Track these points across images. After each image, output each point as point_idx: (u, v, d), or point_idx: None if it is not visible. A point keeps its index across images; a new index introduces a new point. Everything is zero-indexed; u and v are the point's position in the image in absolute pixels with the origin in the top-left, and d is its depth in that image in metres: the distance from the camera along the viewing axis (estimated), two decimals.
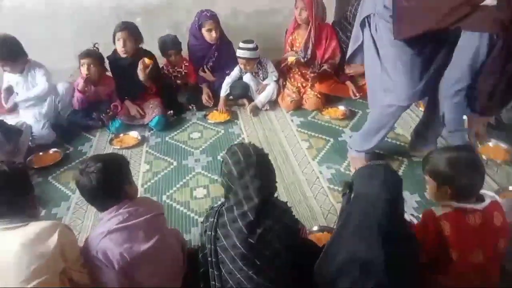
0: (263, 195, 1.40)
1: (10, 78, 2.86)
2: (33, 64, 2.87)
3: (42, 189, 2.44)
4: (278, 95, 3.30)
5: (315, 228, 2.00)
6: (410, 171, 2.44)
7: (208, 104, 3.30)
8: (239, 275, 1.38)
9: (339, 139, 2.84)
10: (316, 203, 2.23)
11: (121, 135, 2.98)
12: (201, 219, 2.14)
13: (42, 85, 2.86)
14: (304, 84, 3.28)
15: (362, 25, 2.08)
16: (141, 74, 3.00)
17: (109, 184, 1.46)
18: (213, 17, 3.15)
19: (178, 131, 3.06)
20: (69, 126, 3.03)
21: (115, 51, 3.05)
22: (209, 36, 3.18)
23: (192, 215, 2.21)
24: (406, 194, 2.20)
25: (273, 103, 3.33)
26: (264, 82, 3.31)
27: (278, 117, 3.20)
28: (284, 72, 3.35)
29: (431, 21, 1.70)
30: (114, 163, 1.54)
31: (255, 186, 1.39)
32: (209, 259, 1.43)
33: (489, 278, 1.43)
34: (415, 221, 1.89)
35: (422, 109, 2.75)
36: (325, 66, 3.18)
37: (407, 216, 1.90)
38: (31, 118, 2.83)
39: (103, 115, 3.04)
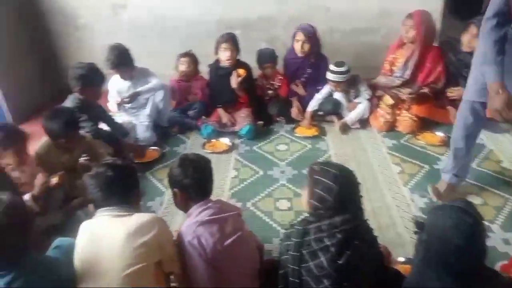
0: (352, 215, 1.38)
1: (120, 85, 3.13)
2: (142, 71, 3.15)
3: (140, 183, 2.63)
4: (370, 114, 3.21)
5: (402, 259, 1.88)
6: None
7: (298, 117, 3.32)
8: None
9: (435, 166, 2.66)
10: (406, 231, 2.10)
11: (213, 140, 3.12)
12: (283, 231, 2.15)
13: (155, 82, 3.13)
14: (399, 105, 3.14)
15: None
16: (234, 83, 3.13)
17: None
18: (305, 30, 3.16)
19: (266, 141, 3.13)
20: (168, 127, 3.27)
21: (217, 60, 3.22)
22: (298, 46, 3.20)
23: (274, 225, 2.22)
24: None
25: (364, 122, 3.24)
26: (356, 100, 3.24)
27: (368, 136, 3.10)
28: (377, 90, 3.25)
29: None
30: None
31: (346, 206, 1.38)
32: (290, 279, 1.43)
33: None
34: None
35: None
36: (425, 90, 3.02)
37: None
38: (135, 120, 3.10)
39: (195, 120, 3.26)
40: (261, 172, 2.72)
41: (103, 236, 1.42)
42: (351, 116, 3.19)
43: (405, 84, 3.07)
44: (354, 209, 1.42)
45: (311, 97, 3.32)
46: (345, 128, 3.19)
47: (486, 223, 1.86)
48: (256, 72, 3.41)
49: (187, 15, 3.83)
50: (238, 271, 1.58)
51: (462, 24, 2.97)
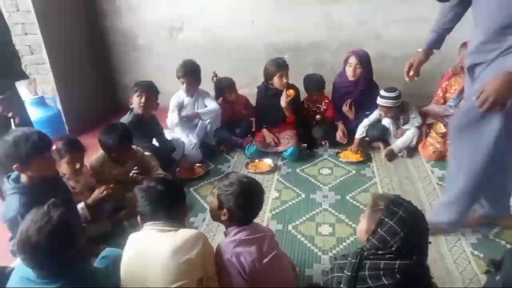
0: (415, 262, 1.32)
1: (181, 100, 3.26)
2: (202, 91, 3.32)
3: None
4: (418, 142, 3.11)
5: None
6: None
7: (342, 141, 3.29)
8: None
9: None
10: (456, 268, 1.98)
11: (256, 160, 3.16)
12: (324, 257, 2.11)
13: (214, 105, 3.26)
14: None
15: None
16: (283, 103, 3.18)
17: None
18: (359, 54, 3.17)
19: (309, 164, 3.11)
20: (214, 145, 3.36)
21: (267, 83, 3.28)
22: (350, 71, 3.20)
23: (315, 250, 2.18)
24: None
25: (411, 150, 3.14)
26: (404, 127, 3.16)
27: (416, 165, 3.00)
28: (428, 117, 3.15)
29: None
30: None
31: (409, 252, 1.32)
32: None
33: None
34: None
35: None
36: None
37: None
38: (184, 138, 3.21)
39: (241, 139, 3.32)
40: (303, 195, 2.70)
41: (149, 250, 1.47)
42: (398, 143, 3.11)
43: None
44: (418, 255, 1.33)
45: (358, 122, 3.28)
46: (391, 155, 3.11)
47: None
48: (303, 95, 3.43)
49: (238, 37, 3.97)
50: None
51: None
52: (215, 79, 3.44)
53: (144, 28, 4.10)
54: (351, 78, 3.23)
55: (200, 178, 2.96)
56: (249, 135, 3.36)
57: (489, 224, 2.21)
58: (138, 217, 1.62)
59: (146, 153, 2.73)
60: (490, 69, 1.71)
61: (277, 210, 2.55)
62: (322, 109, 3.38)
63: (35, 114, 3.27)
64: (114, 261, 1.61)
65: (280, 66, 3.17)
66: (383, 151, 3.15)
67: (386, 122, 3.20)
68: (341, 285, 1.37)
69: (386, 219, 1.32)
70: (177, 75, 3.19)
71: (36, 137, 1.81)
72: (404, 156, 3.12)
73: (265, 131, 3.32)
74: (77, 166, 2.28)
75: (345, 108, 3.34)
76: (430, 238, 1.37)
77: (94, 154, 2.70)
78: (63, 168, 2.29)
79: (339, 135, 3.30)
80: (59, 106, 3.58)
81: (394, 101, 3.05)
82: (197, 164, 3.11)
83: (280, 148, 3.21)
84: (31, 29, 3.43)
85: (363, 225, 1.41)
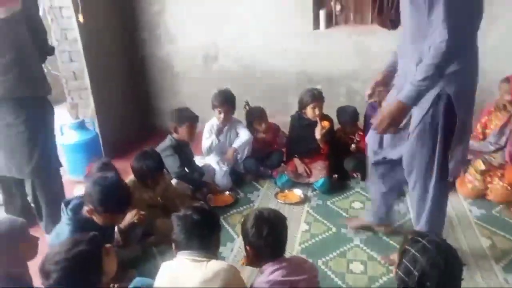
0: None
1: (215, 127, 3.29)
2: (235, 120, 3.38)
3: None
4: (457, 178, 2.99)
5: None
6: None
7: None
8: None
9: None
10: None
11: (286, 190, 3.13)
12: None
13: (247, 135, 3.31)
14: (491, 172, 2.90)
15: None
16: (318, 134, 3.17)
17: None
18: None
19: (340, 197, 3.05)
20: (244, 173, 3.36)
21: (300, 112, 3.28)
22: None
23: None
24: None
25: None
26: None
27: (453, 202, 2.87)
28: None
29: None
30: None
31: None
32: None
33: None
34: None
35: None
36: None
37: None
38: (215, 165, 3.25)
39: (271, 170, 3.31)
40: (334, 229, 2.64)
41: (180, 280, 1.47)
42: None
43: (500, 150, 2.85)
44: None
45: None
46: None
47: None
48: (336, 125, 3.41)
49: (271, 65, 4.03)
50: None
51: None
52: (247, 107, 3.49)
53: (180, 56, 4.24)
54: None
55: (229, 207, 2.95)
56: (282, 164, 3.34)
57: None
58: (173, 245, 1.64)
59: (173, 180, 2.81)
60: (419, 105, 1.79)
61: (306, 244, 2.50)
62: (355, 140, 3.33)
63: (75, 137, 3.41)
64: None
65: (314, 97, 3.17)
66: None
67: None
68: None
69: (409, 247, 1.32)
70: (212, 104, 3.25)
71: (123, 197, 1.92)
72: None
73: (296, 161, 3.29)
74: None
75: None
76: None
77: (126, 178, 2.78)
78: None
79: None
80: (97, 130, 3.71)
81: None
82: (227, 192, 3.11)
83: (311, 180, 3.17)
84: (76, 57, 3.63)
85: (394, 262, 1.42)
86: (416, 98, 1.69)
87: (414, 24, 1.74)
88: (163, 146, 3.00)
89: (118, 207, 1.93)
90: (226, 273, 1.48)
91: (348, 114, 3.29)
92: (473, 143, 2.98)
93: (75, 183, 3.17)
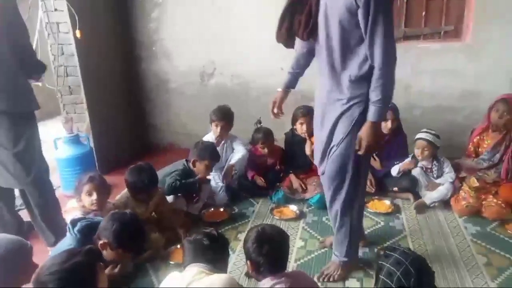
0: None
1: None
2: (232, 135, 3.39)
3: None
4: (451, 196, 3.01)
5: None
6: None
7: (370, 190, 3.20)
8: None
9: None
10: None
11: (282, 206, 3.11)
12: None
13: (243, 151, 3.33)
14: (485, 189, 2.92)
15: None
16: (308, 150, 3.20)
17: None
18: (392, 108, 3.17)
19: None
20: (239, 190, 3.33)
21: (293, 129, 3.33)
22: (384, 125, 3.18)
23: None
24: None
25: (443, 204, 3.03)
26: (437, 181, 3.09)
27: (448, 220, 2.88)
28: (461, 171, 3.07)
29: None
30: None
31: None
32: None
33: None
34: None
35: None
36: None
37: None
38: (211, 181, 3.23)
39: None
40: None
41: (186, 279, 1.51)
42: (430, 197, 3.02)
43: (493, 167, 2.89)
44: None
45: (386, 171, 3.24)
46: (422, 208, 3.01)
47: None
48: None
49: (267, 83, 4.05)
50: None
51: None
52: (258, 125, 3.49)
53: (177, 73, 4.27)
54: (386, 131, 3.20)
55: (224, 222, 2.92)
56: (277, 183, 3.33)
57: None
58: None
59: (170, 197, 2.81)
60: (345, 117, 1.94)
61: (302, 261, 2.47)
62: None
63: (69, 151, 3.39)
64: None
65: (302, 113, 3.22)
66: (413, 203, 3.06)
67: (417, 173, 3.12)
68: None
69: (382, 262, 1.38)
70: (211, 118, 3.28)
71: (140, 236, 1.99)
72: (436, 208, 3.01)
73: (292, 177, 3.29)
74: (94, 196, 2.33)
75: (372, 160, 3.30)
76: None
77: (119, 193, 2.75)
78: (84, 200, 2.37)
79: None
80: (92, 144, 3.69)
81: (433, 136, 3.02)
82: (221, 209, 3.09)
83: (307, 195, 3.17)
84: (72, 71, 3.64)
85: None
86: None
87: (344, 43, 1.82)
88: (174, 169, 2.98)
89: (134, 245, 1.96)
90: (228, 284, 1.49)
91: None
92: (467, 161, 3.03)
93: (69, 198, 3.13)
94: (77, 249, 1.35)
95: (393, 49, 1.79)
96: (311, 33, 1.88)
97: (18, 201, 2.74)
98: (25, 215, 2.69)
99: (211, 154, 2.97)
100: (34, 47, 2.66)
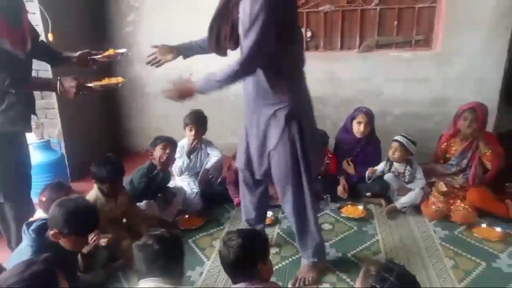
0: None
1: (186, 147, 3.28)
2: (206, 140, 3.39)
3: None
4: (422, 201, 3.09)
5: None
6: None
7: (343, 196, 3.28)
8: None
9: (493, 265, 2.44)
10: None
11: None
12: None
13: (218, 155, 3.34)
14: (453, 194, 3.01)
15: None
16: None
17: (244, 260, 1.57)
18: (368, 113, 3.25)
19: None
20: (215, 196, 3.32)
21: None
22: (357, 128, 3.26)
23: None
24: None
25: (413, 209, 3.11)
26: (408, 186, 3.17)
27: (419, 224, 2.96)
28: (431, 176, 3.16)
29: None
30: (253, 241, 1.63)
31: None
32: None
33: None
34: None
35: None
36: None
37: None
38: (186, 186, 3.21)
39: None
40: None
41: None
42: (401, 201, 3.09)
43: (461, 172, 3.00)
44: None
45: (359, 177, 3.30)
46: (394, 214, 3.08)
47: None
48: None
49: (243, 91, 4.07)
50: None
51: None
52: None
53: (152, 77, 4.22)
54: (359, 135, 3.28)
55: (198, 229, 2.91)
56: None
57: None
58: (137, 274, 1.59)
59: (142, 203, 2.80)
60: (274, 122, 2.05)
61: (276, 266, 2.48)
62: (325, 163, 3.39)
63: (39, 157, 3.30)
64: None
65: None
66: (385, 208, 3.12)
67: (389, 178, 3.20)
68: None
69: (377, 286, 1.29)
70: (185, 122, 3.26)
71: (90, 217, 1.89)
72: (406, 213, 3.08)
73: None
74: None
75: (345, 165, 3.36)
76: None
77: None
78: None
79: (339, 189, 3.29)
80: (63, 150, 3.61)
81: (408, 140, 3.12)
82: (197, 215, 3.07)
83: (280, 201, 3.17)
84: (44, 75, 3.54)
85: None
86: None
87: None
88: (140, 167, 2.96)
89: (84, 228, 1.87)
90: None
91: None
92: (436, 166, 3.12)
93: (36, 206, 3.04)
94: (33, 259, 1.30)
95: (252, 64, 1.92)
96: (237, 44, 1.95)
97: None
98: None
99: (161, 136, 3.00)
100: None
